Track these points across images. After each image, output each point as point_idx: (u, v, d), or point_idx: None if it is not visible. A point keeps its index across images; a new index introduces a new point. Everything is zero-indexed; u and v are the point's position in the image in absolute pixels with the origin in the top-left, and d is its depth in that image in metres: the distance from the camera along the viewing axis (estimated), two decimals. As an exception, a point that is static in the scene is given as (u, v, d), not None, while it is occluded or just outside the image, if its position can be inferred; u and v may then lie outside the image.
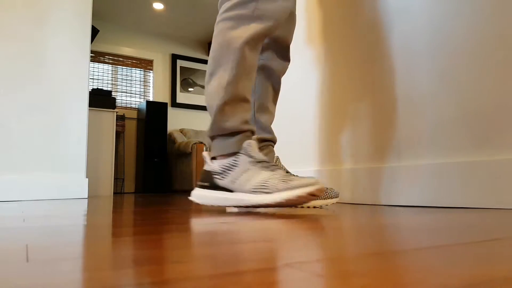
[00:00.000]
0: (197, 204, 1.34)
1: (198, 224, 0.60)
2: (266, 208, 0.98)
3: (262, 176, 0.83)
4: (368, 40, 1.28)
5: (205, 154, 0.95)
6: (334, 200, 0.84)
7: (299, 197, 0.76)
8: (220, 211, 0.89)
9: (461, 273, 0.24)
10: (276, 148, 1.73)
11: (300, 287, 0.21)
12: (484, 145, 0.92)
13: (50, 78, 2.09)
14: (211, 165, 0.92)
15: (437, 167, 1.01)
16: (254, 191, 0.82)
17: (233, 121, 0.90)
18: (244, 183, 0.85)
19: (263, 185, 0.81)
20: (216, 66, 0.92)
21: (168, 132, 4.34)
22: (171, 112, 4.65)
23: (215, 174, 0.90)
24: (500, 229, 0.48)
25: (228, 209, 0.93)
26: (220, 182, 0.89)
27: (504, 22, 0.90)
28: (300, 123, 1.58)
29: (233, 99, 0.91)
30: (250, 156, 0.86)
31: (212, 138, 0.94)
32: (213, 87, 0.92)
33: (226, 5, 0.94)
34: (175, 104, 4.65)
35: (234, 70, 0.90)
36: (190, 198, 0.94)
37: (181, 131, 4.42)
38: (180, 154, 3.90)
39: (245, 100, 0.93)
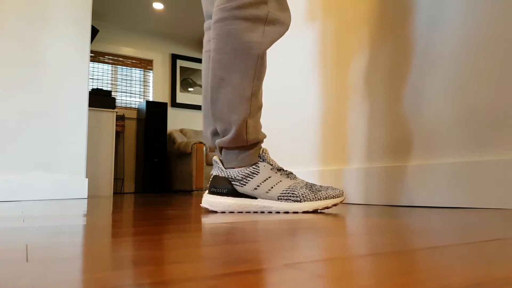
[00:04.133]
0: (197, 205, 1.34)
1: (198, 224, 0.60)
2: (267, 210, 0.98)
3: (285, 183, 0.87)
4: (376, 38, 1.28)
5: (216, 159, 0.92)
6: (338, 200, 0.83)
7: (325, 207, 0.85)
8: (219, 212, 0.89)
9: (463, 274, 0.24)
10: (278, 147, 1.73)
11: (300, 287, 0.21)
12: (488, 145, 0.92)
13: (50, 78, 2.09)
14: (227, 172, 0.89)
15: (442, 167, 1.01)
16: (281, 198, 0.86)
17: (254, 133, 0.88)
18: (268, 189, 0.87)
19: (292, 193, 0.85)
20: (230, 71, 0.84)
21: (168, 132, 4.34)
22: (171, 112, 4.65)
23: (234, 181, 0.88)
24: (502, 229, 0.48)
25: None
26: (240, 188, 0.88)
27: (505, 22, 0.90)
28: (302, 123, 1.58)
29: (254, 111, 0.88)
30: (270, 164, 0.89)
31: (227, 148, 0.90)
32: (230, 95, 0.85)
33: (236, 1, 0.82)
34: (175, 104, 4.65)
35: (256, 80, 0.86)
36: (202, 205, 0.90)
37: (181, 131, 4.42)
38: (180, 154, 3.90)
39: (261, 108, 0.91)
